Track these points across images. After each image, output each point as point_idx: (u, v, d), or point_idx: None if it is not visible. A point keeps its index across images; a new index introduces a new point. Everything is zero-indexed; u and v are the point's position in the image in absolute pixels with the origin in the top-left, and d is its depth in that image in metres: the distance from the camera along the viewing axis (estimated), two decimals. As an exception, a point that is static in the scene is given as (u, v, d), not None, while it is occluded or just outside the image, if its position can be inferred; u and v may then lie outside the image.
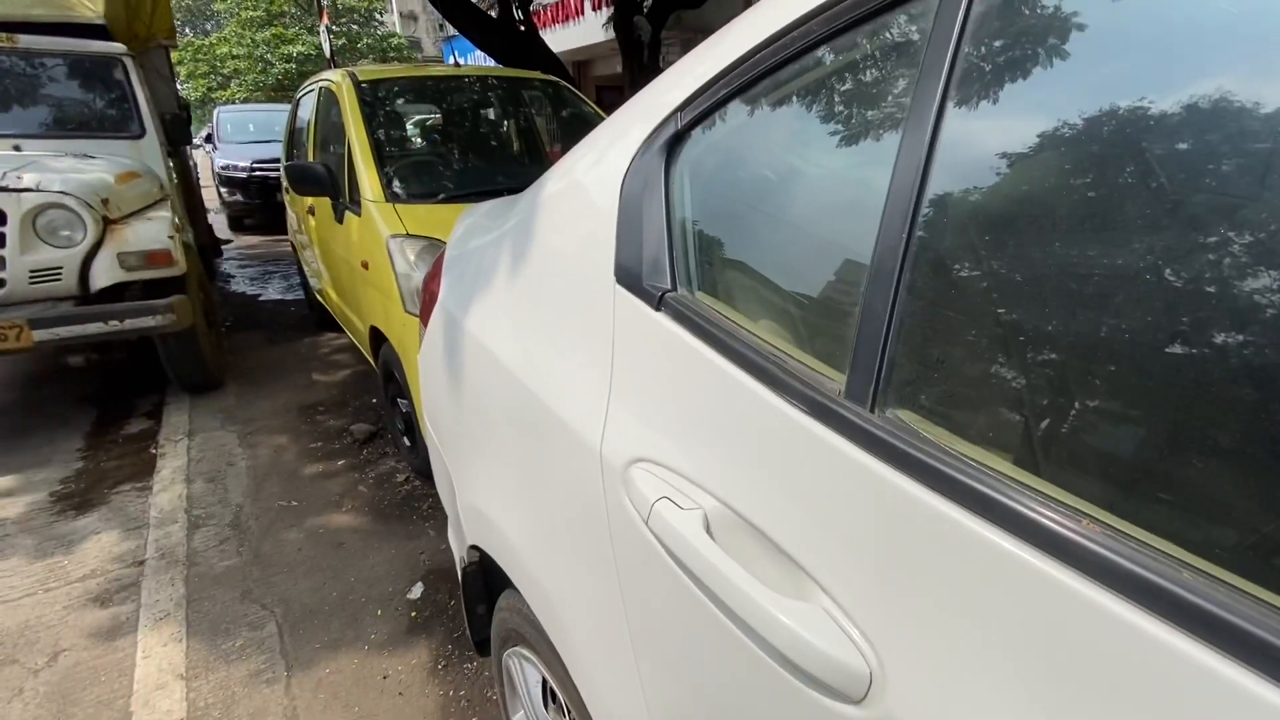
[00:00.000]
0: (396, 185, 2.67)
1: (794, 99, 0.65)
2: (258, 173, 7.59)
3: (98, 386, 3.51)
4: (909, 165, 0.49)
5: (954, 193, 0.48)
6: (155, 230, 2.93)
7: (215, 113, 8.98)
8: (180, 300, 2.92)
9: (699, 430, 0.63)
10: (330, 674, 1.72)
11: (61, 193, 2.68)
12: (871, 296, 0.50)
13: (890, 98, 0.54)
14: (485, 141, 3.67)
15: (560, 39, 11.33)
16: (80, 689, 1.67)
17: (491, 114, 3.79)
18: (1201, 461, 0.36)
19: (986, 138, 0.48)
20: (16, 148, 3.20)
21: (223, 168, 7.75)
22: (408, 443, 2.64)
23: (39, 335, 2.63)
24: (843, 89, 0.60)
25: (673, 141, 0.76)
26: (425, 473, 2.19)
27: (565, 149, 1.40)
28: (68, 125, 3.47)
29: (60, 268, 2.72)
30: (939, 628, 0.42)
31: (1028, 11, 0.46)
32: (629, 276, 0.76)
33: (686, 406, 0.65)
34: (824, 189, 0.64)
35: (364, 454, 2.88)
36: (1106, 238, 0.41)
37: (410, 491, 2.58)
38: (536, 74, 3.82)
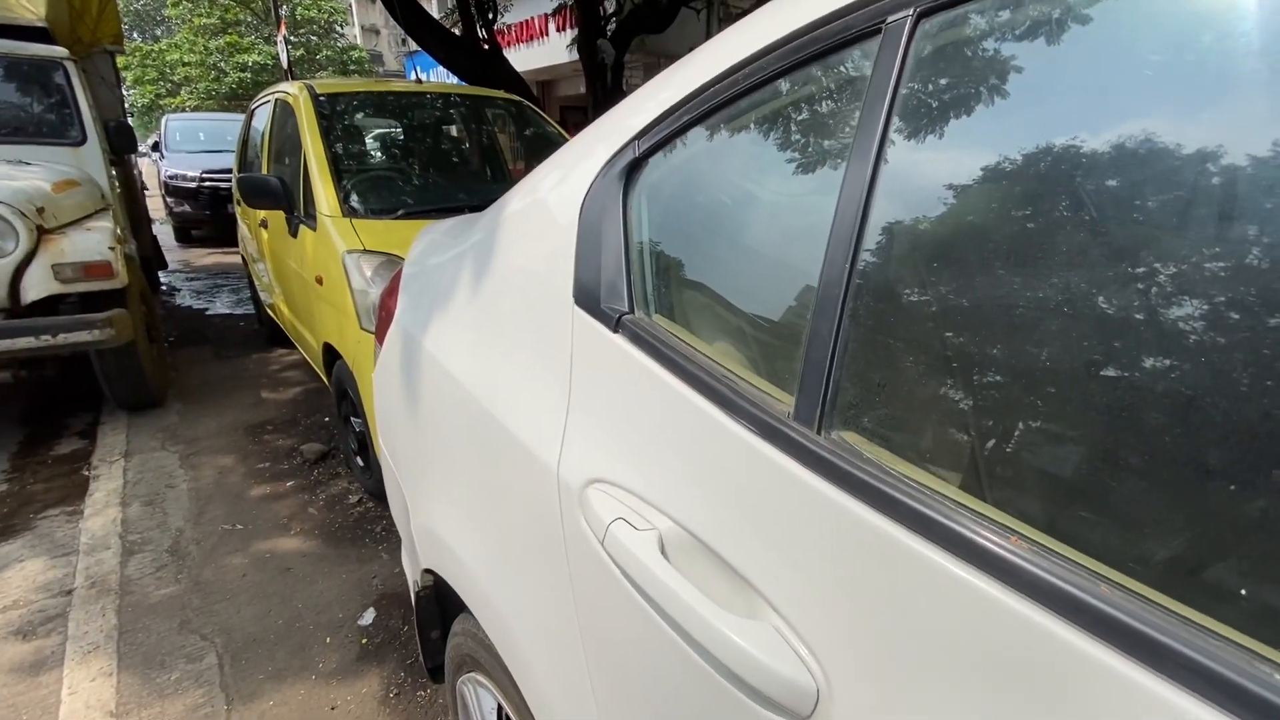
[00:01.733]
0: (354, 200, 2.63)
1: (748, 130, 0.67)
2: (208, 183, 7.36)
3: (26, 405, 3.32)
4: (852, 195, 0.51)
5: (895, 222, 0.51)
6: (95, 241, 2.81)
7: (163, 120, 8.68)
8: (120, 314, 2.79)
9: (655, 451, 0.64)
10: (274, 706, 1.64)
11: (-9, 200, 2.55)
12: (818, 321, 0.52)
13: (837, 131, 0.57)
14: (446, 158, 3.65)
15: (524, 58, 11.38)
16: (-4, 730, 1.55)
17: (453, 131, 3.78)
18: (1123, 481, 0.39)
19: (926, 170, 0.51)
20: (-56, 152, 3.03)
21: (170, 177, 7.48)
22: (361, 463, 2.57)
23: (-38, 350, 2.48)
24: (794, 121, 0.62)
25: (631, 167, 0.78)
26: (379, 494, 2.14)
27: (528, 168, 1.40)
28: (2, 130, 3.31)
29: (-12, 279, 2.57)
30: (882, 644, 0.43)
31: (963, 53, 0.49)
32: (587, 298, 0.77)
33: (643, 428, 0.66)
34: (775, 217, 0.66)
35: (315, 474, 2.79)
36: (1039, 267, 0.43)
37: (363, 513, 2.51)
38: (499, 93, 3.83)
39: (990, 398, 0.45)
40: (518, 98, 3.77)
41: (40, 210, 2.70)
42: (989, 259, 0.46)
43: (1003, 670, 0.38)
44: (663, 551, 0.57)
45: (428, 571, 1.19)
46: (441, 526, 1.03)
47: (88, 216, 3.00)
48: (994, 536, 0.40)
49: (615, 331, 0.72)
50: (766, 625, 0.49)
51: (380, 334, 1.42)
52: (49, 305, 2.71)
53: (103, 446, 2.95)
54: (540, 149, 3.46)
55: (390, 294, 1.43)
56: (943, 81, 0.50)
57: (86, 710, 1.61)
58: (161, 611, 1.95)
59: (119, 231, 3.01)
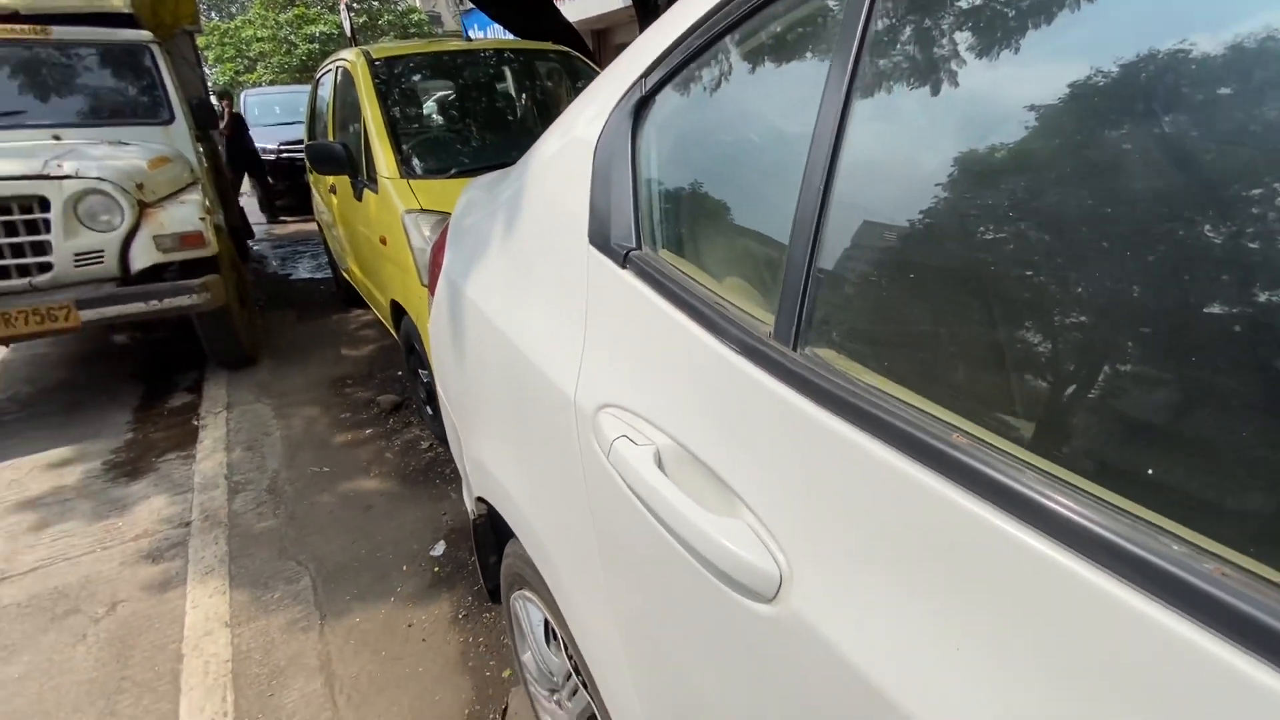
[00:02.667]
0: (411, 161, 2.74)
1: (740, 62, 0.69)
2: (285, 154, 7.73)
3: (143, 364, 3.71)
4: (828, 120, 0.53)
5: (869, 147, 0.52)
6: (187, 213, 3.07)
7: (242, 96, 9.14)
8: (213, 280, 3.06)
9: (655, 375, 0.69)
10: (360, 622, 1.85)
11: (99, 179, 2.81)
12: (795, 246, 0.55)
13: (815, 61, 0.58)
14: (499, 115, 3.71)
15: (578, 7, 11.16)
16: (137, 635, 1.83)
17: (504, 87, 3.82)
18: (1049, 379, 0.41)
19: (899, 96, 0.52)
20: (56, 137, 3.35)
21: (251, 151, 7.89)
22: (430, 411, 2.75)
23: (85, 315, 2.80)
24: (775, 53, 0.63)
25: (640, 104, 0.80)
26: (448, 440, 2.30)
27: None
28: (101, 113, 3.61)
29: (102, 251, 2.87)
30: (838, 537, 0.47)
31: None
32: (600, 236, 0.81)
33: (646, 355, 0.71)
34: (763, 150, 0.68)
35: (390, 423, 3.01)
36: (997, 189, 0.45)
37: (434, 458, 2.70)
38: (548, 45, 3.83)
39: (948, 313, 0.47)
40: (566, 49, 3.75)
41: (140, 186, 2.97)
42: (952, 184, 0.47)
43: (943, 559, 0.42)
44: (659, 463, 0.62)
45: (480, 500, 1.31)
46: (487, 456, 1.12)
47: (180, 190, 3.27)
48: (938, 436, 0.43)
49: (623, 267, 0.76)
50: (741, 523, 0.54)
51: (432, 286, 1.52)
52: (154, 274, 3.01)
53: (208, 400, 3.29)
54: (589, 101, 3.45)
55: (439, 248, 1.52)
56: (914, 18, 0.50)
57: (206, 621, 1.87)
58: (263, 541, 2.21)
59: (207, 203, 3.26)
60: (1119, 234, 0.38)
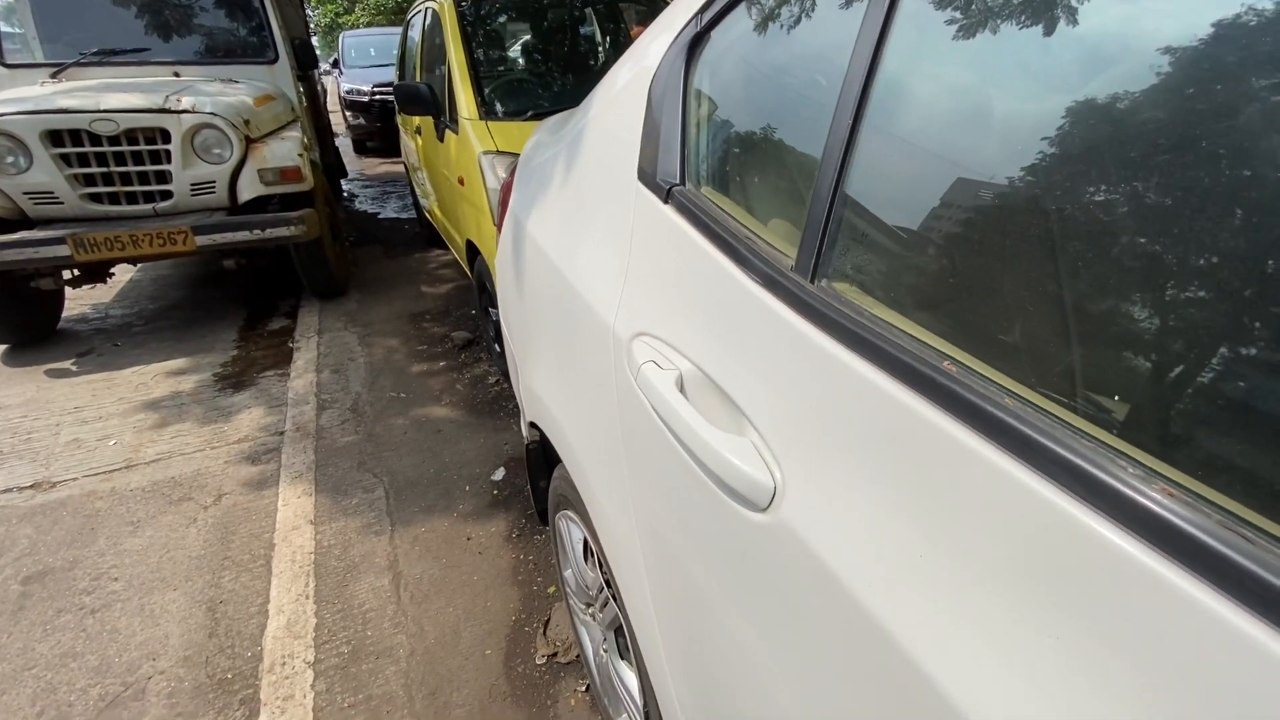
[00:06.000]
0: (491, 103, 2.80)
1: (788, 2, 0.69)
2: (378, 96, 7.98)
3: (247, 290, 4.06)
4: (858, 69, 0.54)
5: (897, 88, 0.53)
6: (287, 149, 3.28)
7: (340, 38, 9.44)
8: (309, 213, 3.28)
9: (686, 306, 0.72)
10: (425, 532, 2.03)
11: (213, 114, 3.05)
12: (820, 182, 0.57)
13: (852, 12, 0.58)
14: (581, 58, 3.70)
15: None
16: (237, 524, 2.08)
17: (589, 30, 3.79)
18: (1040, 320, 0.42)
19: (930, 45, 0.52)
20: (176, 74, 3.63)
21: (347, 92, 8.20)
22: (498, 349, 2.89)
23: (200, 240, 3.08)
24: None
25: (693, 42, 0.82)
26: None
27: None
28: (214, 52, 3.87)
29: (213, 182, 3.13)
30: (830, 457, 0.51)
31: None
32: (647, 172, 0.84)
33: (679, 287, 0.74)
34: (801, 91, 0.68)
35: (462, 358, 3.18)
36: (1021, 142, 0.45)
37: (500, 392, 2.85)
38: (634, -13, 3.75)
39: (963, 255, 0.48)
40: (651, -9, 3.67)
41: (247, 123, 3.19)
42: (975, 132, 0.48)
43: (923, 478, 0.44)
44: (680, 386, 0.67)
45: (533, 426, 1.40)
46: (538, 383, 1.20)
47: (281, 128, 3.48)
48: (929, 364, 0.45)
49: (665, 202, 0.79)
50: (746, 440, 0.58)
51: (499, 225, 1.59)
52: (258, 206, 3.26)
53: (302, 325, 3.57)
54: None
55: (507, 189, 1.58)
56: None
57: (295, 517, 2.10)
58: (345, 453, 2.43)
59: (305, 140, 3.47)
60: (1140, 188, 0.38)
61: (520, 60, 3.51)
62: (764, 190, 0.71)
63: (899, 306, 0.50)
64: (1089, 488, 0.35)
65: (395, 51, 5.22)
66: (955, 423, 0.42)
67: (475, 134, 2.60)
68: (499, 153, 2.50)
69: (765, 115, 0.73)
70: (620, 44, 3.70)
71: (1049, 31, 0.44)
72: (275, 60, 3.96)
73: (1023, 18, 0.46)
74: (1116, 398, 0.37)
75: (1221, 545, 0.29)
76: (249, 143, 3.18)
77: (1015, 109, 0.46)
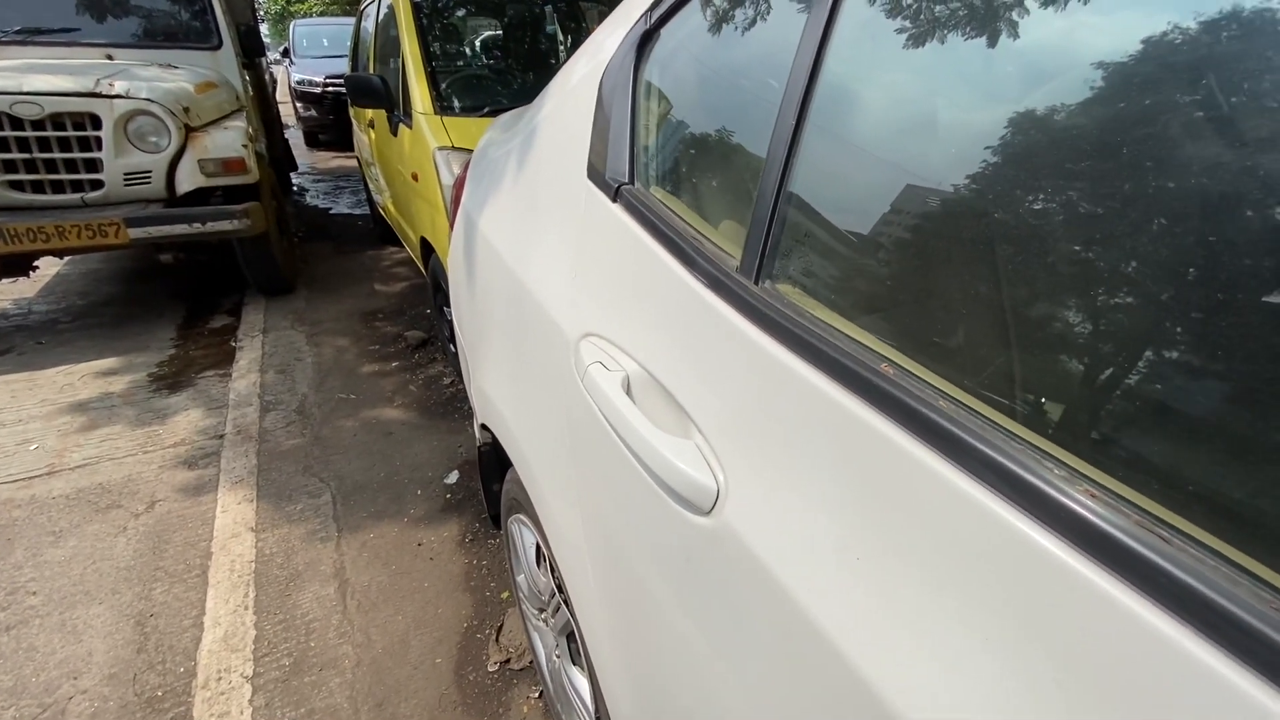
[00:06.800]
0: (446, 98, 2.75)
1: (735, 2, 0.68)
2: (331, 88, 7.74)
3: (187, 285, 3.87)
4: (802, 66, 0.54)
5: (840, 87, 0.53)
6: (230, 139, 3.14)
7: (291, 26, 9.13)
8: (254, 207, 3.15)
9: (634, 307, 0.71)
10: (374, 538, 1.97)
11: (148, 99, 2.89)
12: (765, 182, 0.56)
13: (797, 11, 0.58)
14: (537, 55, 3.66)
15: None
16: (171, 532, 1.98)
17: (543, 27, 3.76)
18: (977, 324, 0.42)
19: (873, 45, 0.52)
20: (109, 56, 3.44)
21: (298, 82, 7.92)
22: (453, 349, 2.83)
23: (134, 233, 2.92)
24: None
25: (643, 39, 0.81)
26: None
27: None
28: (152, 35, 3.68)
29: (149, 172, 2.97)
30: (772, 458, 0.50)
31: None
32: (596, 171, 0.83)
33: (627, 286, 0.73)
34: (749, 91, 0.68)
35: (416, 358, 3.11)
36: (935, 152, 0.46)
37: (455, 393, 2.79)
38: (593, -15, 3.73)
39: (903, 259, 0.48)
40: (610, -10, 3.66)
41: (186, 110, 3.04)
42: (919, 136, 0.48)
43: (860, 478, 0.44)
44: (626, 388, 0.66)
45: (484, 428, 1.37)
46: (489, 384, 1.18)
47: (224, 116, 3.34)
48: (868, 367, 0.45)
49: (614, 201, 0.78)
50: (690, 443, 0.57)
51: (452, 221, 1.56)
52: (199, 198, 3.11)
53: (245, 323, 3.43)
54: (629, 45, 3.38)
55: (460, 185, 1.55)
56: None
57: (234, 524, 2.01)
58: (290, 457, 2.34)
59: (250, 130, 3.33)
60: (1074, 196, 0.39)
61: (479, 55, 3.45)
62: (711, 190, 0.70)
63: (840, 309, 0.50)
64: (1017, 489, 0.36)
65: (349, 43, 5.07)
66: (893, 425, 0.42)
67: (430, 129, 2.54)
68: (454, 148, 2.45)
69: (712, 114, 0.72)
70: (577, 42, 3.68)
71: (993, 41, 0.45)
72: (219, 46, 3.79)
73: (968, 27, 0.46)
74: (1045, 401, 0.37)
75: (1139, 545, 0.30)
76: (189, 131, 3.04)
77: (959, 115, 0.46)
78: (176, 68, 3.48)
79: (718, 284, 0.58)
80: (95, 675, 1.52)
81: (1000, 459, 0.36)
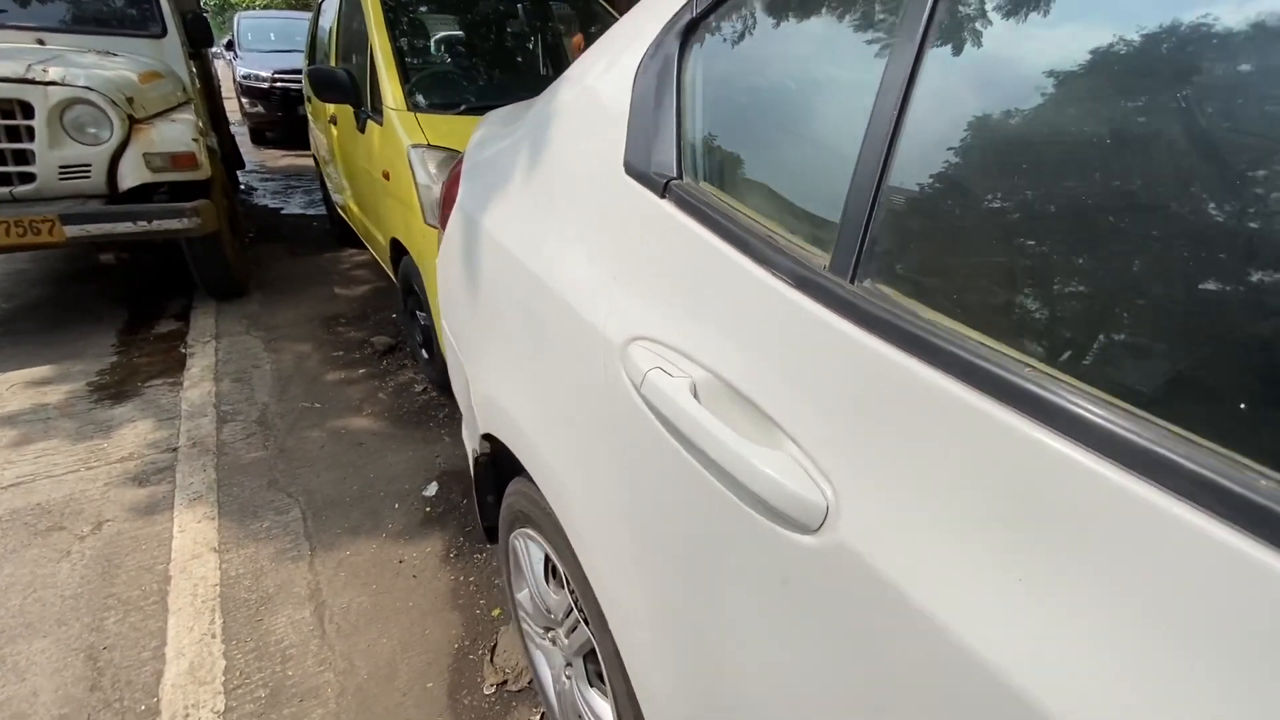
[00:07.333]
0: (419, 94, 2.64)
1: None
2: (280, 84, 7.43)
3: (129, 288, 3.61)
4: (900, 65, 0.51)
5: (939, 94, 0.50)
6: (179, 132, 2.95)
7: (236, 18, 8.73)
8: (205, 204, 2.96)
9: (693, 308, 0.67)
10: (350, 556, 1.85)
11: (87, 88, 2.69)
12: (859, 178, 0.53)
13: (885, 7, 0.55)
14: (511, 54, 3.58)
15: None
16: (123, 555, 1.82)
17: (518, 26, 3.68)
18: (1114, 317, 0.39)
19: (974, 52, 0.49)
20: (40, 41, 3.19)
21: (244, 77, 7.58)
22: (426, 355, 2.72)
23: (70, 231, 2.70)
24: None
25: (688, 28, 0.77)
26: (443, 385, 2.27)
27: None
28: (88, 21, 3.43)
29: (89, 165, 2.76)
30: (894, 471, 0.47)
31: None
32: (637, 167, 0.78)
33: (683, 287, 0.69)
34: (823, 83, 0.65)
35: (384, 364, 2.97)
36: (1066, 131, 0.43)
37: (428, 401, 2.68)
38: (564, -14, 3.68)
39: (1019, 252, 0.46)
40: (583, -9, 3.62)
41: (130, 100, 2.84)
42: (1025, 123, 0.45)
43: (1007, 491, 0.41)
44: (695, 395, 0.61)
45: (485, 439, 1.29)
46: (499, 392, 1.11)
47: (171, 109, 3.13)
48: (1007, 367, 0.42)
49: (663, 197, 0.73)
50: (784, 453, 0.53)
51: (443, 222, 1.48)
52: (143, 194, 2.90)
53: (196, 328, 3.22)
54: (603, 47, 3.34)
55: (453, 183, 1.47)
56: None
57: (194, 545, 1.86)
58: (253, 471, 2.19)
59: (200, 124, 3.14)
60: (1199, 183, 0.36)
61: (447, 51, 3.34)
62: (781, 185, 0.66)
63: (954, 308, 0.47)
64: (1220, 499, 0.33)
65: (299, 38, 4.84)
66: (1047, 431, 0.39)
67: (403, 126, 2.44)
68: (430, 146, 2.35)
69: (778, 107, 0.69)
70: (549, 42, 3.62)
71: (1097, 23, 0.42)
72: (163, 34, 3.57)
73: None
74: (1224, 404, 0.35)
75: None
76: (133, 123, 2.83)
77: (1085, 109, 0.44)
78: (116, 55, 3.25)
79: (805, 283, 0.55)
80: (43, 717, 1.37)
81: (1194, 466, 0.33)
